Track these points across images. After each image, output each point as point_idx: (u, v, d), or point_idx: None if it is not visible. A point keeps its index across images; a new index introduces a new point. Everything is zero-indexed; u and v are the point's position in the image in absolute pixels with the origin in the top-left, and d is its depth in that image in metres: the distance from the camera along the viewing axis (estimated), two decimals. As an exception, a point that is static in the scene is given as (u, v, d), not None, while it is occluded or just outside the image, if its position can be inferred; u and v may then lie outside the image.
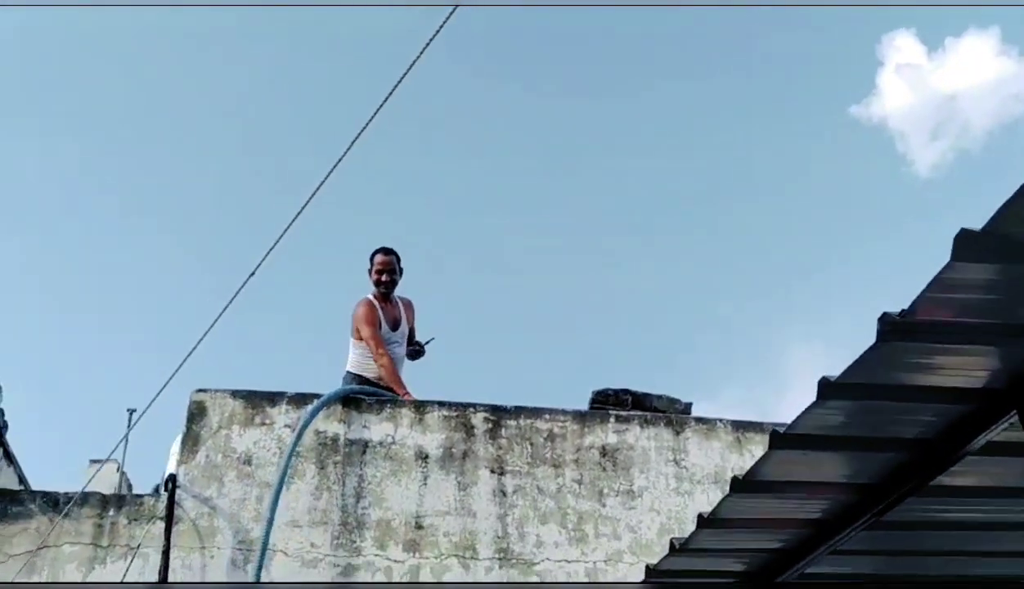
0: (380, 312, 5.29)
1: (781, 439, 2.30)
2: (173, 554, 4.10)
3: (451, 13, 2.61)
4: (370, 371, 5.17)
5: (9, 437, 5.31)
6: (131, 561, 4.09)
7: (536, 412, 4.76)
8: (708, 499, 4.38)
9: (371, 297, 5.33)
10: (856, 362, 1.78)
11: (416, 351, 5.60)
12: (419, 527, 4.36)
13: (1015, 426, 1.84)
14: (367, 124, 2.79)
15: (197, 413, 4.49)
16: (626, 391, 5.09)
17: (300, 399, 4.63)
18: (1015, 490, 2.39)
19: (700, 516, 2.82)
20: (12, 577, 4.00)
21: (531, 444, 4.65)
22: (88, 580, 4.05)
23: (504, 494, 4.50)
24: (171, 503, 4.20)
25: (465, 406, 4.74)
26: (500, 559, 4.34)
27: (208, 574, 4.12)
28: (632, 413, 4.90)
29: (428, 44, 2.71)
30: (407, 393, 4.96)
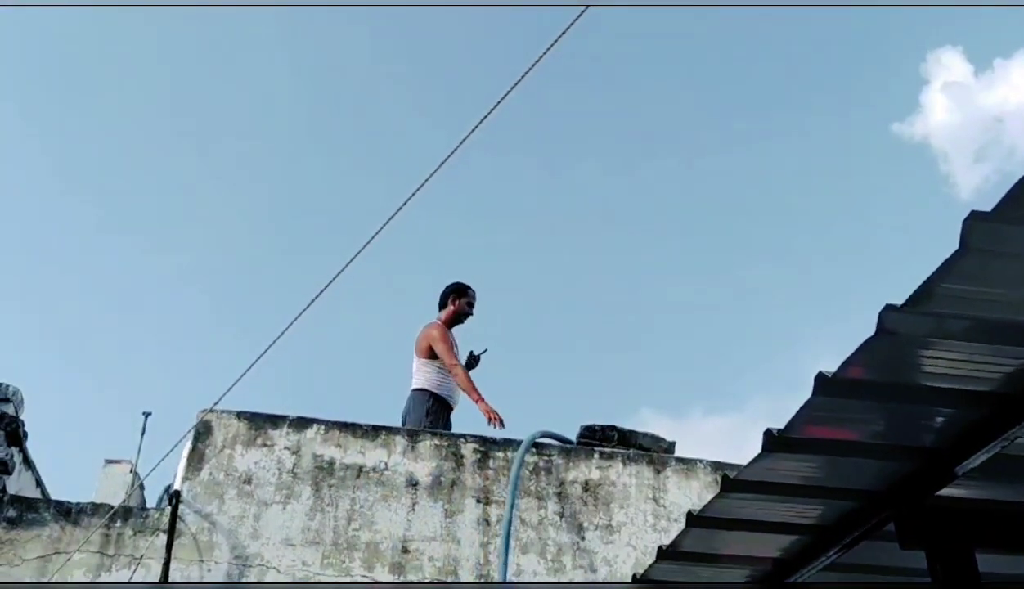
0: (451, 336, 5.76)
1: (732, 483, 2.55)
2: (173, 566, 4.37)
3: (582, 12, 2.37)
4: (444, 389, 5.56)
5: (28, 442, 5.62)
6: (134, 570, 4.36)
7: (524, 445, 4.98)
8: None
9: (441, 322, 5.80)
10: (749, 464, 2.04)
11: (470, 364, 5.91)
12: (405, 551, 4.60)
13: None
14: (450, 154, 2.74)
15: (203, 432, 4.77)
16: (612, 428, 5.30)
17: (301, 423, 4.90)
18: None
19: (660, 548, 3.02)
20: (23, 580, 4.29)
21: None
22: (94, 586, 4.33)
23: (488, 523, 4.73)
24: (174, 517, 4.48)
25: (456, 436, 4.99)
26: (480, 586, 4.57)
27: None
28: (616, 450, 5.11)
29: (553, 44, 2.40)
30: (483, 400, 5.33)
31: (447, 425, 5.60)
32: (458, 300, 5.85)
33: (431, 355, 5.64)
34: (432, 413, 5.54)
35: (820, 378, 1.97)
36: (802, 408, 2.04)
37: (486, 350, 5.80)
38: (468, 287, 5.92)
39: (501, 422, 5.27)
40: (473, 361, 5.83)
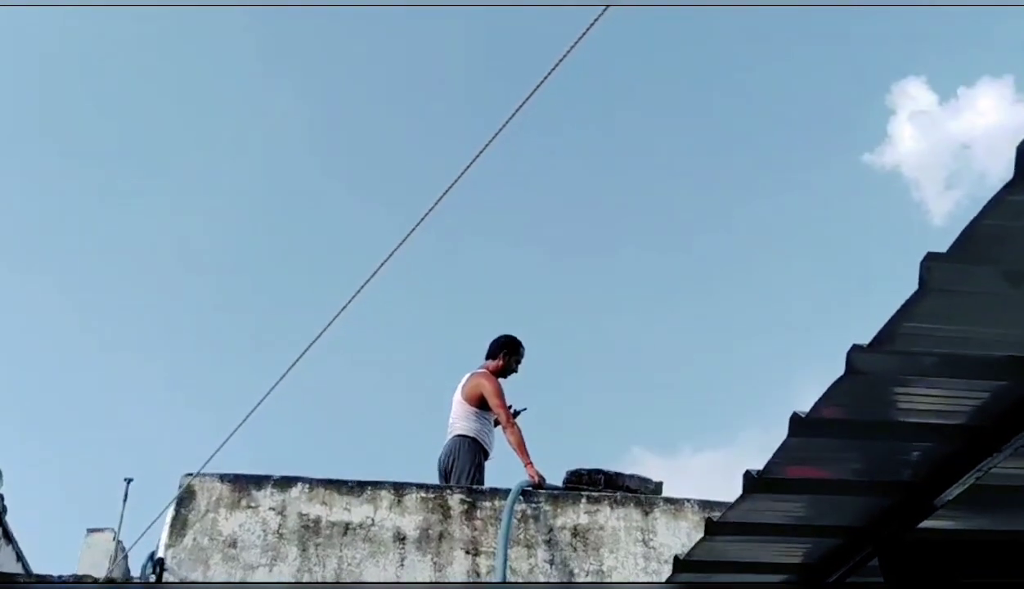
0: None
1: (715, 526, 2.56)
2: (159, 636, 4.30)
3: (602, 12, 2.43)
4: (485, 439, 5.57)
5: (8, 516, 5.54)
6: (119, 643, 4.28)
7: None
8: (674, 579, 4.56)
9: (492, 374, 5.70)
10: (731, 507, 2.07)
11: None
12: (396, 608, 4.55)
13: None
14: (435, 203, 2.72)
15: (186, 497, 4.71)
16: (599, 471, 5.29)
17: (285, 482, 4.85)
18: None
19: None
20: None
21: (505, 525, 4.84)
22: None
23: (478, 575, 4.69)
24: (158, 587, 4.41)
25: (442, 488, 4.96)
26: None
27: (192, 656, 4.31)
28: (603, 493, 5.09)
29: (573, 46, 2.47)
30: (532, 465, 5.20)
31: (483, 474, 5.57)
32: (509, 356, 5.78)
33: (480, 404, 5.58)
34: (479, 466, 5.50)
35: (795, 419, 2.00)
36: (779, 450, 2.06)
37: (525, 408, 5.71)
38: (521, 344, 5.86)
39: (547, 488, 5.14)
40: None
